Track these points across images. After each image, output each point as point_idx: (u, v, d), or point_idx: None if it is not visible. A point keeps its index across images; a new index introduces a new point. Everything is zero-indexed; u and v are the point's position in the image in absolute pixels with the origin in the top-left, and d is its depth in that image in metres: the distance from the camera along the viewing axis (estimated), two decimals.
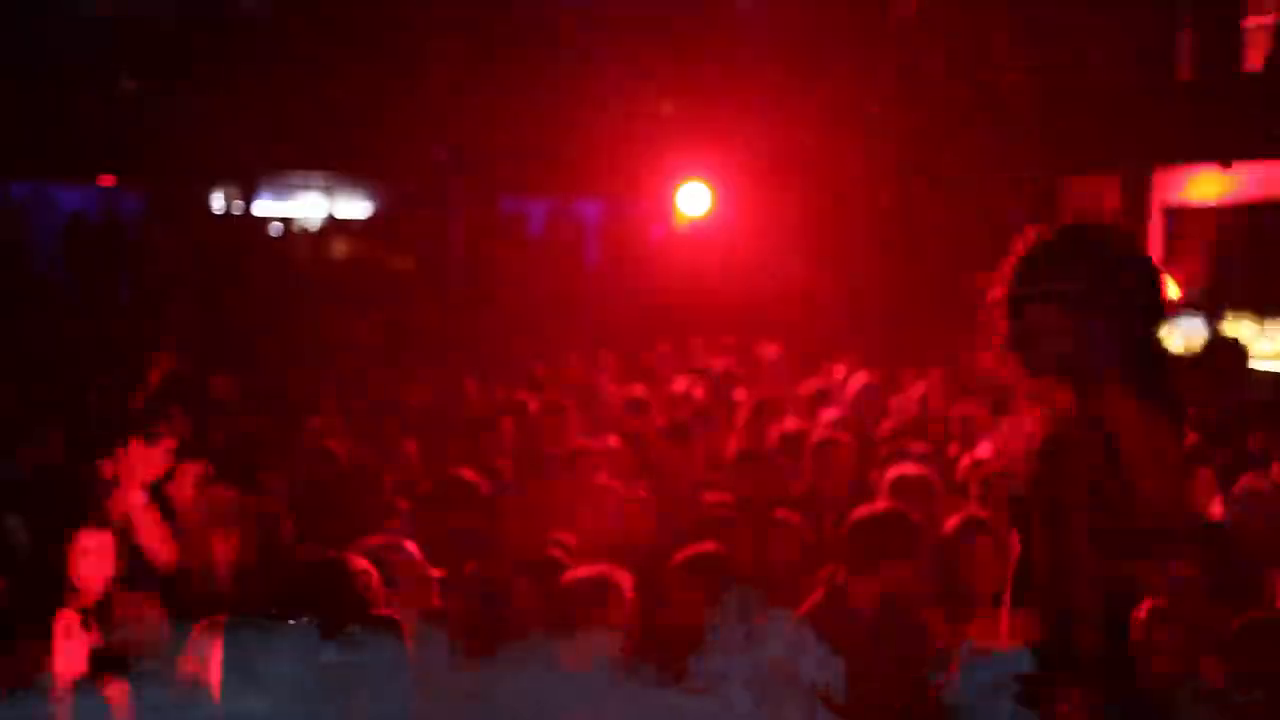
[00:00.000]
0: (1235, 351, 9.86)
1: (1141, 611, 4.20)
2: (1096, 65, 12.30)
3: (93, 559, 4.27)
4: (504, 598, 4.57)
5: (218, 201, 17.20)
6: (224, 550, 5.02)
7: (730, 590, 4.33)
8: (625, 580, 4.00)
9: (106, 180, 15.69)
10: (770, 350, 10.68)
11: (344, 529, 5.47)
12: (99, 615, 4.19)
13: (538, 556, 4.72)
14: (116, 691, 3.96)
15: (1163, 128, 11.95)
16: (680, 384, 9.09)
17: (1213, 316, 12.04)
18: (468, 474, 5.82)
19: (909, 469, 5.53)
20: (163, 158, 12.12)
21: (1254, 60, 10.64)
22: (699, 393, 8.87)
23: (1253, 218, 12.45)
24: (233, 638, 3.26)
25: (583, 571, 4.07)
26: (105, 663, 4.06)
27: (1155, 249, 12.91)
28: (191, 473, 6.05)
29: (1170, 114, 11.96)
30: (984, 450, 6.44)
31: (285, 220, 17.94)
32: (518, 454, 7.17)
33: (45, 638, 3.77)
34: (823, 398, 8.58)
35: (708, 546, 4.70)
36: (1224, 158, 11.82)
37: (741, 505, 5.82)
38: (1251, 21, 11.49)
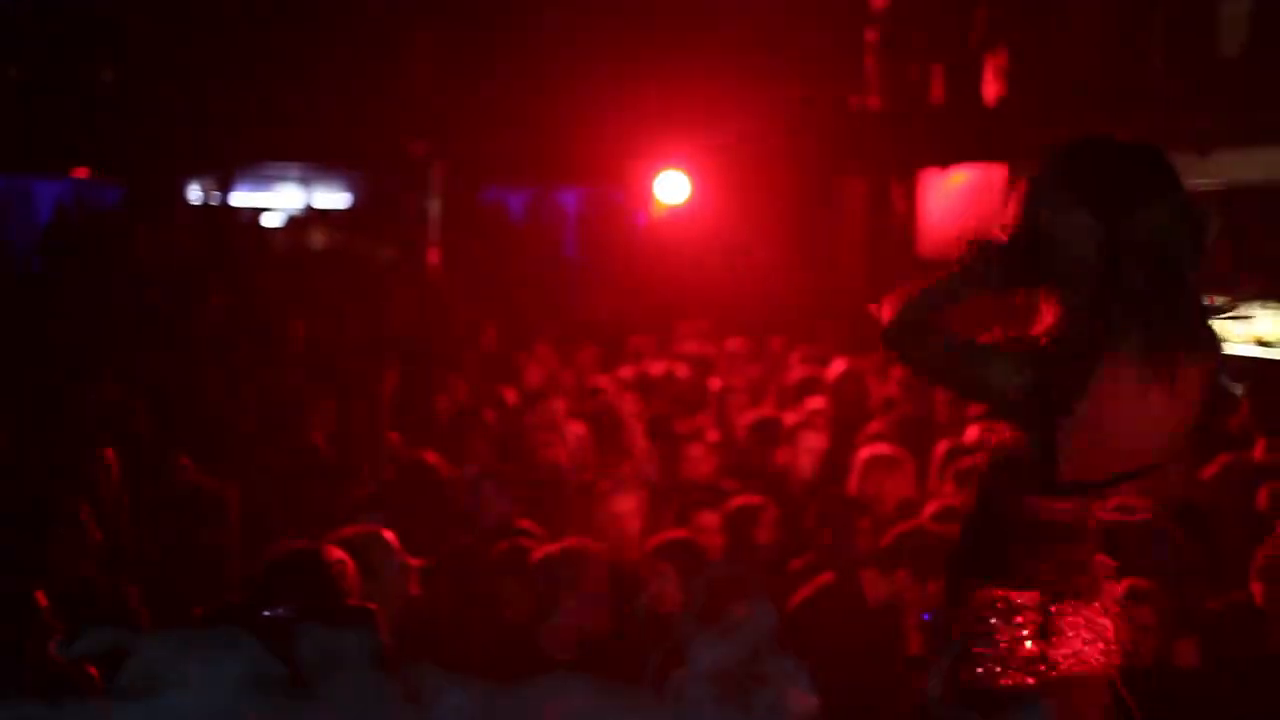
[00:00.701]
0: None
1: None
2: (1069, 51, 12.31)
3: (69, 547, 4.25)
4: (481, 585, 4.57)
5: (195, 193, 17.13)
6: (203, 541, 5.01)
7: (703, 576, 4.35)
8: (599, 552, 4.00)
9: (81, 173, 15.59)
10: (738, 340, 10.69)
11: (323, 520, 5.47)
12: (74, 604, 4.17)
13: (508, 545, 4.71)
14: (89, 683, 3.94)
15: (1138, 112, 11.98)
16: (657, 369, 9.09)
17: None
18: (431, 458, 5.83)
19: (881, 449, 5.53)
20: (139, 149, 12.05)
21: (1229, 46, 10.66)
22: (677, 379, 8.88)
23: (1227, 202, 12.51)
24: (207, 629, 3.24)
25: (555, 546, 4.06)
26: (79, 653, 4.04)
27: None
28: (171, 463, 6.04)
29: (1146, 98, 11.99)
30: (969, 436, 6.44)
31: (263, 211, 17.88)
32: (499, 444, 7.17)
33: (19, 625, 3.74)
34: (808, 386, 8.59)
35: (680, 533, 4.71)
36: (1200, 143, 11.86)
37: (715, 491, 5.84)
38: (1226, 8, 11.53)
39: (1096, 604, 2.43)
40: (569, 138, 13.10)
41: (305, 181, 17.37)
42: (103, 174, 15.23)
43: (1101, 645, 2.41)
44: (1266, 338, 12.15)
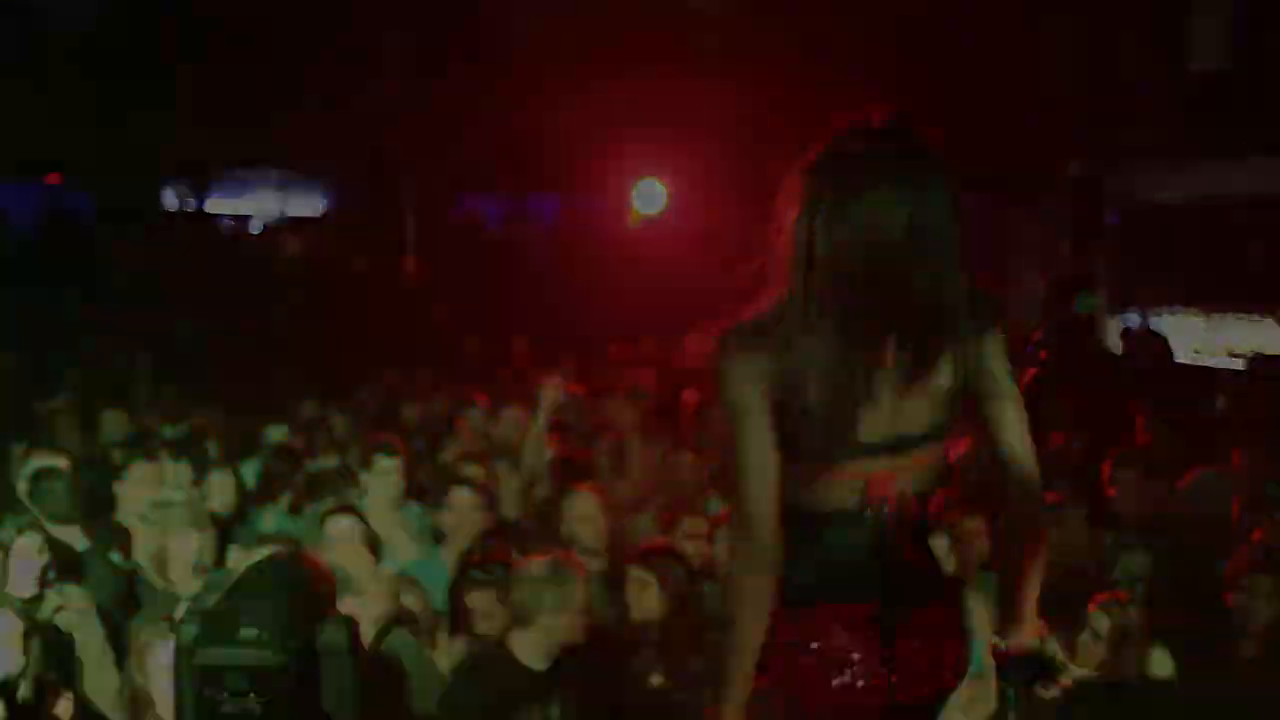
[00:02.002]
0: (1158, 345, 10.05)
1: (1094, 602, 4.25)
2: (1047, 64, 12.41)
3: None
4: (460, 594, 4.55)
5: (169, 199, 17.04)
6: (180, 549, 4.98)
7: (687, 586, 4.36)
8: (579, 565, 3.99)
9: (53, 178, 15.50)
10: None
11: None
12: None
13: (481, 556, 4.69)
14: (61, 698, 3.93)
15: (1114, 126, 12.08)
16: (634, 381, 9.08)
17: (1158, 312, 12.20)
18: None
19: None
20: (112, 154, 12.00)
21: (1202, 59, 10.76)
22: (654, 390, 8.87)
23: (1205, 216, 12.59)
24: (187, 635, 3.23)
25: (536, 558, 4.06)
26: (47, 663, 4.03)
27: (1108, 246, 13.05)
28: (148, 472, 6.01)
29: (1122, 112, 12.09)
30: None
31: (238, 217, 17.81)
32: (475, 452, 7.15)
33: None
34: None
35: (663, 542, 4.71)
36: (1175, 156, 11.96)
37: (699, 499, 5.84)
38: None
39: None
40: (546, 146, 13.10)
41: (281, 188, 17.31)
42: (76, 179, 15.15)
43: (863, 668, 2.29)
44: (1237, 349, 12.25)
